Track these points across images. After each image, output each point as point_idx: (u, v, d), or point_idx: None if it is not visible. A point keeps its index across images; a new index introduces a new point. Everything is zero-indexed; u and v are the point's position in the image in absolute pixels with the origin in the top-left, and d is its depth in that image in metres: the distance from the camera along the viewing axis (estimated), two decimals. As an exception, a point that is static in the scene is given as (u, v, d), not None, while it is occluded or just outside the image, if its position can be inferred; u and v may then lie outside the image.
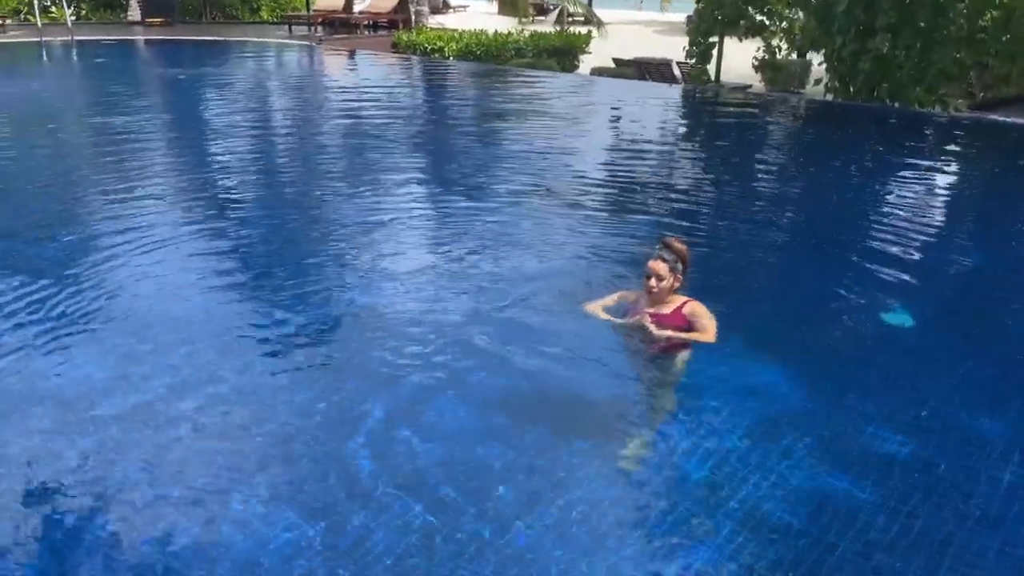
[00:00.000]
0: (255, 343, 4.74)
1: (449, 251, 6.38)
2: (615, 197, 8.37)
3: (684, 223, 7.27)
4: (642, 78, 17.53)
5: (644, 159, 10.65)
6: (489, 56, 19.44)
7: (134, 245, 6.15)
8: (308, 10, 26.15)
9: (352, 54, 21.15)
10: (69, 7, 24.16)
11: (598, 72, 18.63)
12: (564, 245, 6.51)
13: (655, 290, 4.62)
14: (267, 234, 6.91)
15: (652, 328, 4.46)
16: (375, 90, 15.89)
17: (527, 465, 3.63)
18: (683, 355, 4.60)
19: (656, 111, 14.98)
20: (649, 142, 11.93)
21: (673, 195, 8.77)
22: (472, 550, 3.04)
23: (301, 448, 3.71)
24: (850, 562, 3.10)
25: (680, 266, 4.64)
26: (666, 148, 11.98)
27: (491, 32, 20.56)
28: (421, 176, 9.07)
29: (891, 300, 5.66)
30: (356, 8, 26.28)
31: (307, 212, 7.59)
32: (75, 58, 20.08)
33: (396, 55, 20.77)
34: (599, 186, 8.76)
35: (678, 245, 4.68)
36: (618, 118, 14.18)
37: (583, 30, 21.91)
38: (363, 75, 18.61)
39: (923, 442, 3.94)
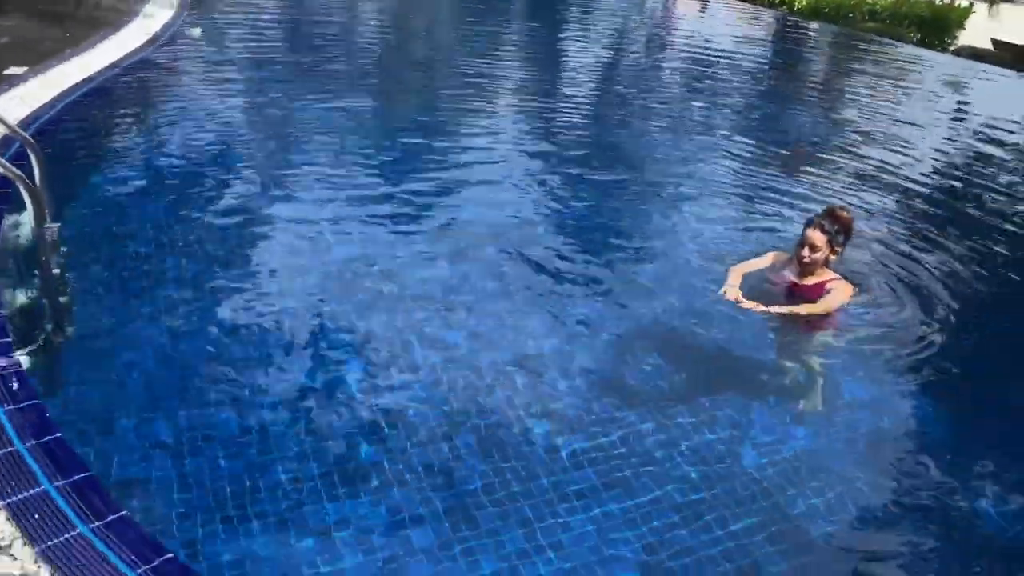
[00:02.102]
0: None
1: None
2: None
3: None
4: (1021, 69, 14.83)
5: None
6: (838, 16, 17.78)
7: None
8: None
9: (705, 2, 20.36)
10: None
11: (967, 53, 16.26)
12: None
13: (806, 260, 4.31)
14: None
15: (741, 302, 4.30)
16: (714, 42, 15.07)
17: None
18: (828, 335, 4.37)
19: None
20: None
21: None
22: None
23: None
24: None
25: (841, 237, 4.32)
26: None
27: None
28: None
29: None
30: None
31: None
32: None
33: (743, 3, 19.82)
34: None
35: (843, 215, 4.35)
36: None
37: (966, 1, 19.14)
38: (705, 25, 17.87)
39: None
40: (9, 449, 2.59)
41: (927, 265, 5.32)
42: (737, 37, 15.62)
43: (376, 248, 4.87)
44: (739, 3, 20.06)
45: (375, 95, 8.78)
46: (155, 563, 2.24)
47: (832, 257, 4.33)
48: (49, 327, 3.64)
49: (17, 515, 2.34)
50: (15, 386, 2.90)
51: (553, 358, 3.90)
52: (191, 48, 9.62)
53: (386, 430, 3.25)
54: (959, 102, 12.55)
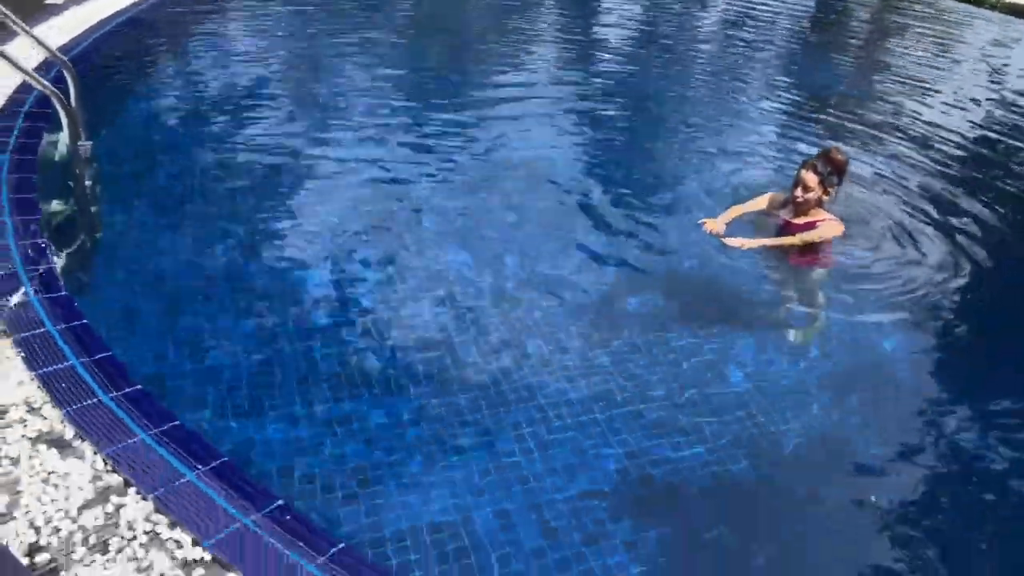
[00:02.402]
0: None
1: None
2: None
3: None
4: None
5: None
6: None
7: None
8: None
9: None
10: None
11: (1004, 8, 15.78)
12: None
13: (799, 199, 4.46)
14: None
15: (727, 241, 4.47)
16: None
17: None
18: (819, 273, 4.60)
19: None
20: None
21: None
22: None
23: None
24: None
25: (835, 179, 4.45)
26: None
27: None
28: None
29: None
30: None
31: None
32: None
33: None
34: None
35: (838, 156, 4.45)
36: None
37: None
38: None
39: None
40: (42, 330, 2.88)
41: (935, 217, 5.39)
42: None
43: (400, 173, 5.09)
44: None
45: (414, 40, 8.84)
46: (164, 428, 2.53)
47: (825, 197, 4.47)
48: (80, 233, 3.95)
49: (47, 384, 2.63)
50: (49, 280, 3.19)
51: (559, 283, 4.11)
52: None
53: (392, 340, 3.51)
54: (993, 58, 12.35)
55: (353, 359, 3.34)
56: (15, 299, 3.02)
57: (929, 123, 7.66)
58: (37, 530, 2.14)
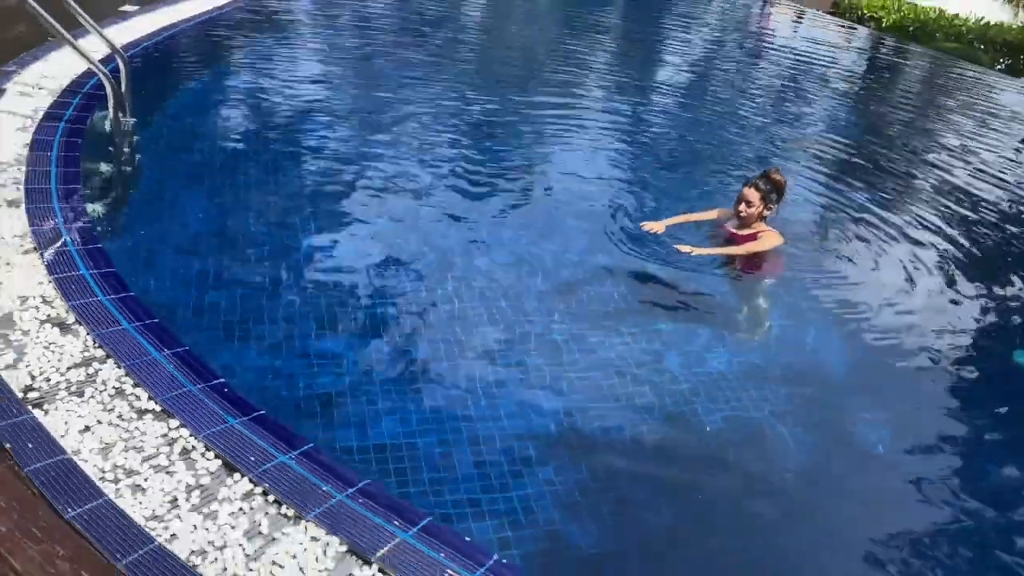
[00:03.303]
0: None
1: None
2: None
3: None
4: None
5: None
6: (924, 35, 17.73)
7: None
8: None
9: (800, 16, 20.31)
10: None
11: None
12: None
13: (743, 214, 4.97)
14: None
15: (678, 247, 4.72)
16: (799, 53, 15.08)
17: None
18: (767, 280, 5.09)
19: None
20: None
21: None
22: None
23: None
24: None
25: (775, 196, 4.95)
26: None
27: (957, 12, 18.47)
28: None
29: None
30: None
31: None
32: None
33: (833, 17, 19.90)
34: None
35: (776, 177, 4.95)
36: None
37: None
38: (794, 38, 17.91)
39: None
40: (77, 273, 3.53)
41: (888, 239, 5.85)
42: (821, 50, 15.82)
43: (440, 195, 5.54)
44: (831, 19, 20.13)
45: (472, 74, 9.36)
46: (145, 322, 3.16)
47: (767, 212, 4.96)
48: (112, 186, 4.68)
49: (81, 315, 3.25)
50: (85, 230, 3.87)
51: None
52: (294, 7, 10.75)
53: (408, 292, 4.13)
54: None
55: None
56: (48, 224, 3.73)
57: (949, 187, 8.04)
58: (33, 378, 2.78)
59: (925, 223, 6.51)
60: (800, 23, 19.22)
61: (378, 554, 2.26)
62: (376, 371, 3.53)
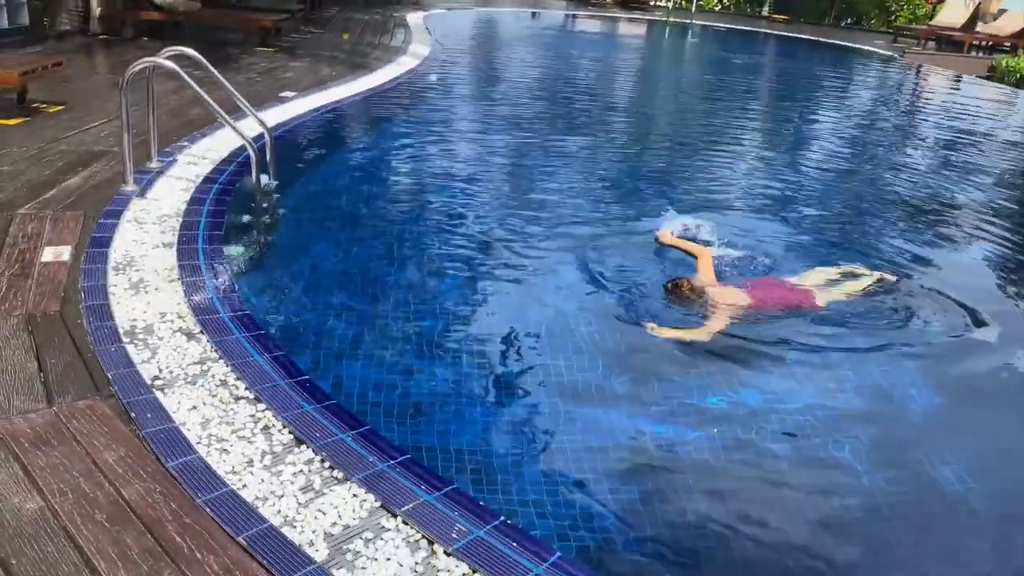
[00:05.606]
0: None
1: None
2: None
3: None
4: None
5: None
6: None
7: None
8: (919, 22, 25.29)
9: (958, 78, 19.53)
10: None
11: None
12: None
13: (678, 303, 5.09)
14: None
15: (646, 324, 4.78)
16: (957, 117, 14.24)
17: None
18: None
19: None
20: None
21: None
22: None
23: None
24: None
25: (692, 295, 5.02)
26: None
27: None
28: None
29: None
30: (979, 27, 24.44)
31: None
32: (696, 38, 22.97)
33: (990, 81, 19.09)
34: None
35: (673, 288, 5.06)
36: None
37: None
38: (952, 100, 17.09)
39: None
40: (206, 296, 4.31)
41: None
42: (975, 114, 15.21)
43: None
44: (990, 83, 19.32)
45: (608, 144, 9.78)
46: (255, 333, 3.83)
47: (697, 297, 5.04)
48: (253, 237, 5.52)
49: (205, 327, 3.96)
50: (219, 265, 4.65)
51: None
52: (431, 88, 11.88)
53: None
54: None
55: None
56: (191, 261, 4.54)
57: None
58: (160, 370, 3.46)
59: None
60: (958, 89, 18.58)
61: (403, 509, 2.69)
62: (443, 378, 4.02)
